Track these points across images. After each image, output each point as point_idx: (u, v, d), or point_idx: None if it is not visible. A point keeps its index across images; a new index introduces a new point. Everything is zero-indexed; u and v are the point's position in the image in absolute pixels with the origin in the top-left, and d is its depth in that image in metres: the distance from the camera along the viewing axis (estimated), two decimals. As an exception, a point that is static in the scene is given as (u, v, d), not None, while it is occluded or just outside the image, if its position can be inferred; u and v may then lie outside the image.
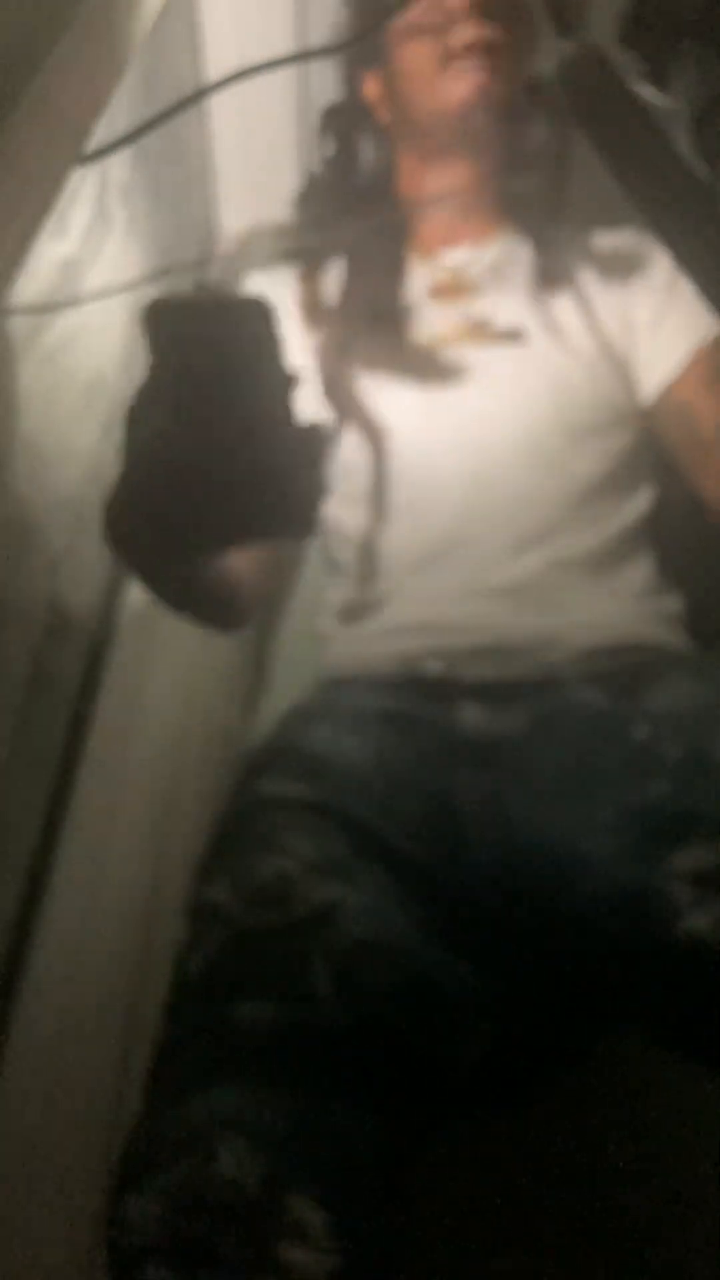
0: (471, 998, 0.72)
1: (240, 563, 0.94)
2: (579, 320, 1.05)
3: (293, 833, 0.77)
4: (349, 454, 1.04)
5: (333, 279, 1.11)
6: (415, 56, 1.05)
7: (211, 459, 0.58)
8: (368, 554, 1.02)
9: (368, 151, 1.12)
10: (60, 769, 0.95)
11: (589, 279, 1.08)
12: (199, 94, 1.10)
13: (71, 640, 1.00)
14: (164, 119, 1.15)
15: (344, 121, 1.13)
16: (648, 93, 0.63)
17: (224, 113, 1.40)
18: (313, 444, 0.64)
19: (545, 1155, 0.89)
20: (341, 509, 1.05)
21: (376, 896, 0.74)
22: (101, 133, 0.73)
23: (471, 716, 0.88)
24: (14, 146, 0.51)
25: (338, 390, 1.03)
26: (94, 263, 1.07)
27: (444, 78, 1.02)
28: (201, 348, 0.57)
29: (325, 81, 1.38)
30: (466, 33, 1.01)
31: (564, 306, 1.06)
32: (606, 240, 1.12)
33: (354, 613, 1.01)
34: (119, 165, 1.19)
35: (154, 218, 1.30)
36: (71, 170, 0.65)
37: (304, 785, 0.82)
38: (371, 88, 1.12)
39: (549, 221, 1.12)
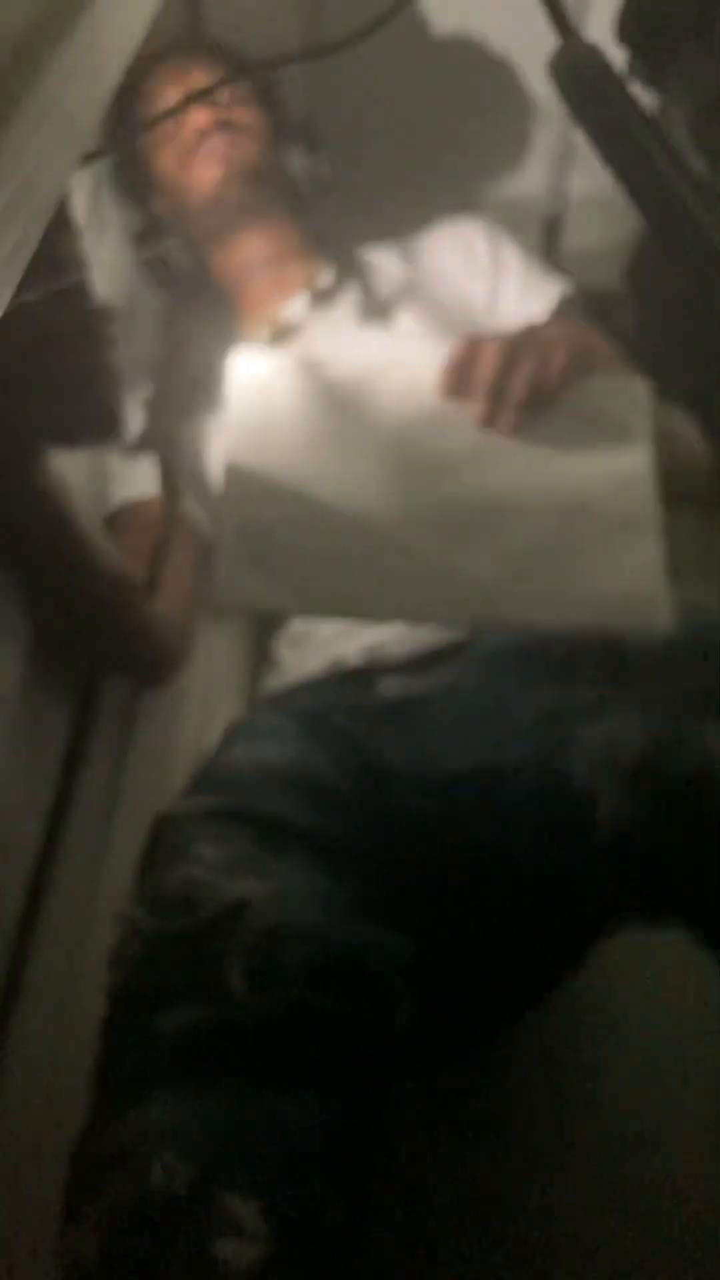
0: (393, 961, 0.72)
1: (156, 600, 0.98)
2: (417, 326, 1.10)
3: (198, 841, 0.78)
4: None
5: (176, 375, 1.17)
6: (163, 165, 1.16)
7: None
8: None
9: (180, 260, 1.20)
10: (59, 788, 0.96)
11: (414, 283, 1.14)
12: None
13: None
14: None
15: (151, 239, 1.21)
16: (647, 92, 0.63)
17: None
18: (94, 327, 0.66)
19: (524, 1146, 0.89)
20: None
21: (288, 883, 0.74)
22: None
23: (390, 685, 0.90)
24: (15, 147, 0.51)
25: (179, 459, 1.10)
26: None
27: (189, 174, 1.13)
28: None
29: (324, 81, 1.38)
30: (189, 124, 1.12)
31: (400, 319, 1.11)
32: (428, 240, 1.18)
33: (296, 639, 1.04)
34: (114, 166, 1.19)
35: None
36: (73, 171, 0.65)
37: (211, 797, 0.83)
38: (160, 204, 1.19)
39: (362, 242, 1.20)
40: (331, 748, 0.85)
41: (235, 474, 0.90)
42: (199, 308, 1.22)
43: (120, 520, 1.09)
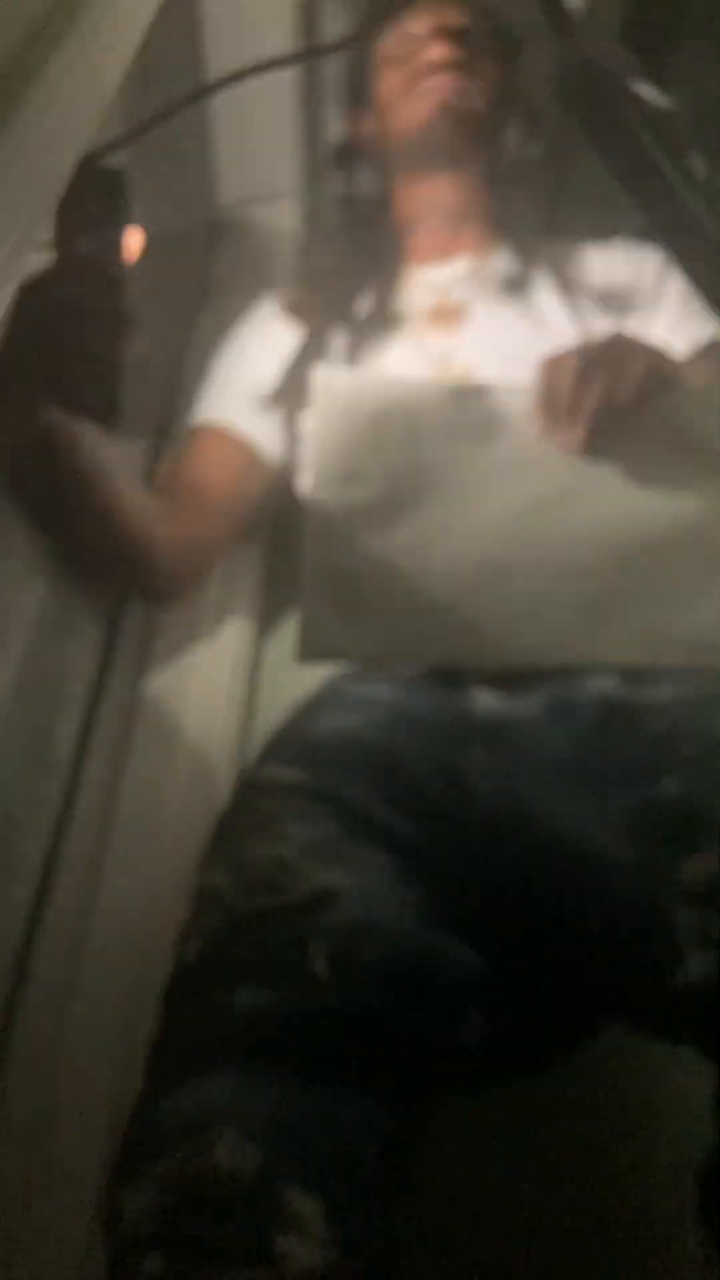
0: (467, 980, 0.72)
1: (145, 513, 0.95)
2: (567, 324, 1.07)
3: (289, 818, 0.77)
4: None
5: (321, 286, 1.16)
6: (388, 83, 1.13)
7: (43, 335, 0.68)
8: None
9: (368, 182, 1.19)
10: (68, 776, 0.96)
11: (577, 291, 1.10)
12: (199, 94, 1.11)
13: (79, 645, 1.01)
14: (164, 119, 1.16)
15: (346, 156, 1.21)
16: (648, 93, 0.63)
17: (224, 112, 1.40)
18: (115, 327, 0.71)
19: (547, 1146, 0.88)
20: None
21: (375, 879, 0.74)
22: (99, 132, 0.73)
23: (484, 701, 0.87)
24: (17, 147, 0.51)
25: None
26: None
27: (410, 99, 1.11)
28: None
29: (324, 81, 1.38)
30: (428, 54, 1.09)
31: (555, 319, 1.08)
32: (595, 253, 1.14)
33: None
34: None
35: (152, 218, 1.30)
36: (72, 170, 0.65)
37: (302, 771, 0.82)
38: (368, 123, 1.18)
39: (539, 235, 1.17)
40: (420, 750, 0.83)
41: (317, 516, 0.88)
42: (372, 237, 1.20)
43: (194, 438, 1.08)
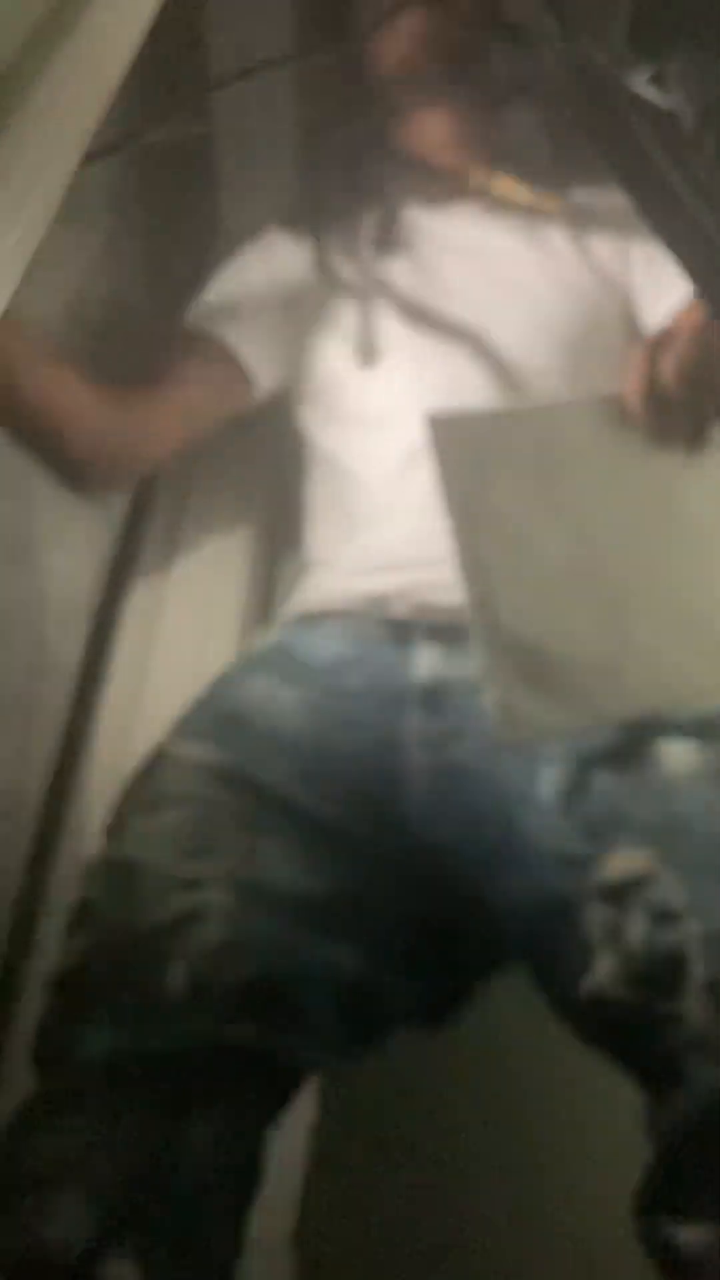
0: (333, 989, 0.71)
1: (75, 401, 0.96)
2: (573, 251, 1.07)
3: (184, 803, 0.76)
4: (333, 369, 1.04)
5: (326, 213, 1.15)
6: (365, 23, 1.13)
7: None
8: (355, 488, 1.00)
9: (372, 122, 1.16)
10: (63, 753, 0.96)
11: (584, 215, 1.09)
12: (199, 93, 1.11)
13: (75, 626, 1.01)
14: (164, 119, 1.16)
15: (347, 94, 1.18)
16: (649, 93, 0.63)
17: (224, 113, 1.40)
18: None
19: (483, 1160, 0.88)
20: (324, 430, 1.04)
21: (257, 875, 0.72)
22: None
23: (426, 660, 0.85)
24: (17, 147, 0.51)
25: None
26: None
27: (382, 40, 1.09)
28: None
29: (322, 80, 1.38)
30: None
31: (560, 238, 1.08)
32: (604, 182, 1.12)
33: (330, 549, 0.99)
34: (108, 167, 1.19)
35: (153, 218, 1.30)
36: (73, 171, 0.65)
37: (218, 747, 0.80)
38: (362, 59, 1.15)
39: (543, 160, 1.15)
40: (354, 726, 0.82)
41: (476, 583, 0.81)
42: (375, 170, 1.17)
43: (181, 342, 1.08)
